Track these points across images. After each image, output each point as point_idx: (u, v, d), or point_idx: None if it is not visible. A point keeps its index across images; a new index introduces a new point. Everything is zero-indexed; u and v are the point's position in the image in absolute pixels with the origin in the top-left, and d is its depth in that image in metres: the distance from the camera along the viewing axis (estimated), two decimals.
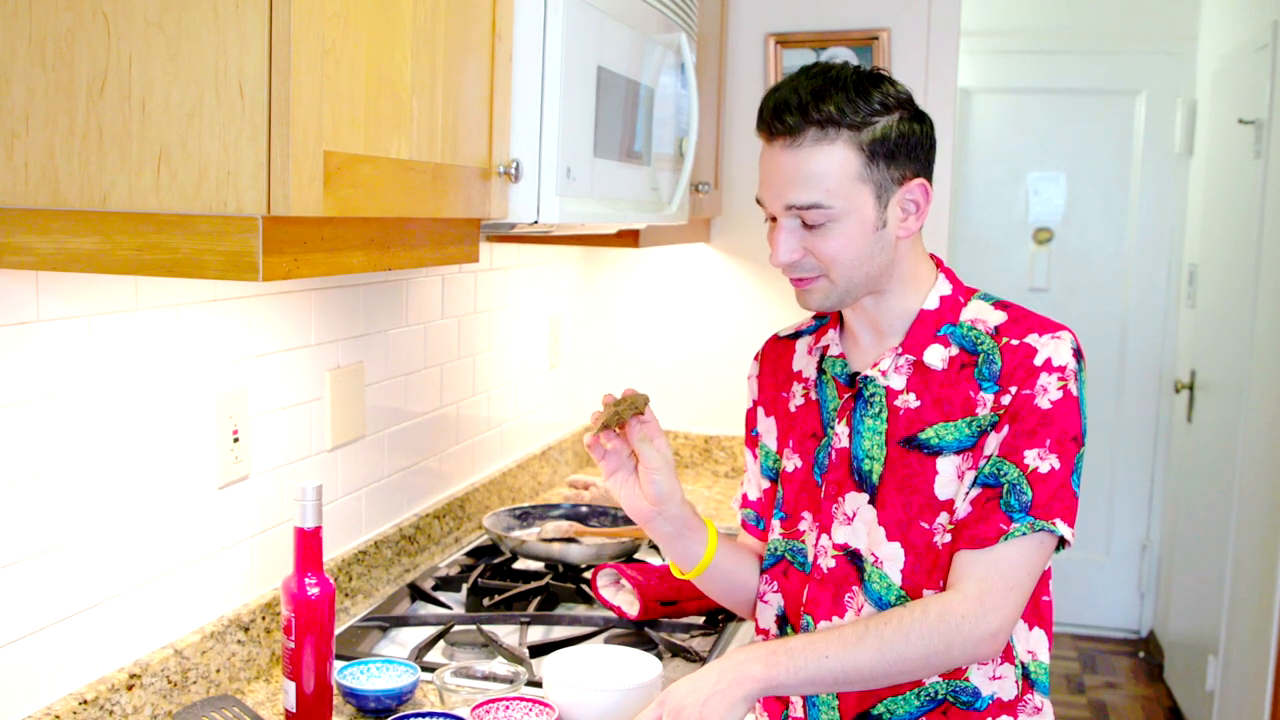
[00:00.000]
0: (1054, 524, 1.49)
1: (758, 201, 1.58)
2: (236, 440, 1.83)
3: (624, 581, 2.13)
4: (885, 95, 1.51)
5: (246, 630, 1.85)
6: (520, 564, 2.45)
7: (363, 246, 1.42)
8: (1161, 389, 5.32)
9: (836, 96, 1.49)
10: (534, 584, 2.29)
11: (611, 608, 2.13)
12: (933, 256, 1.65)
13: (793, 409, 1.72)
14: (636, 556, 2.45)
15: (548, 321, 3.19)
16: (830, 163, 1.49)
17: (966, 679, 1.57)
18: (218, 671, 1.78)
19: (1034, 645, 1.60)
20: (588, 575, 2.29)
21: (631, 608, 2.10)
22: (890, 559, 1.57)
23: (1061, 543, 1.52)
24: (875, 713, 1.59)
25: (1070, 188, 5.39)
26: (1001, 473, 1.50)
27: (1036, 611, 1.60)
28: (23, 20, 1.24)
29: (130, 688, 1.59)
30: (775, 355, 1.78)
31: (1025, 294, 5.38)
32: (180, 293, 1.68)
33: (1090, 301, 5.38)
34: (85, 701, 1.51)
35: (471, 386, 2.73)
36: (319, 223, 1.31)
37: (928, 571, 1.56)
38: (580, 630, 2.10)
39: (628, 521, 2.59)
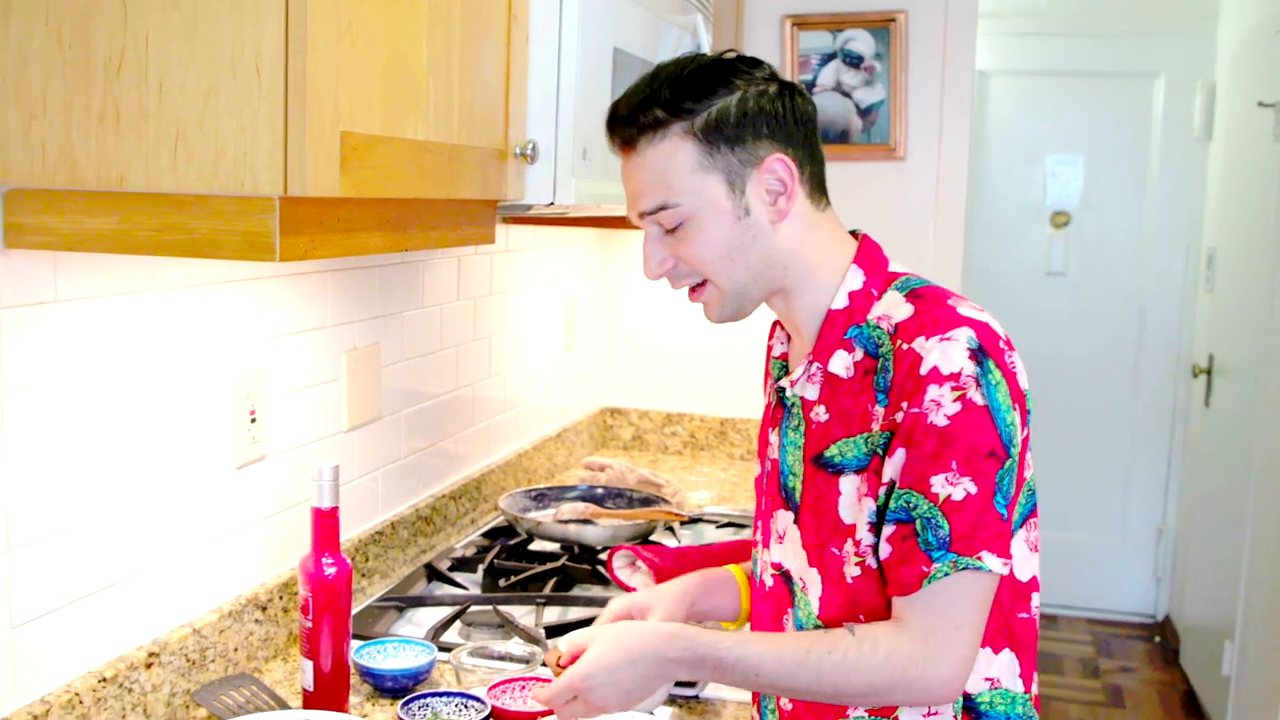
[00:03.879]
0: (979, 559, 1.30)
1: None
2: (254, 421, 1.83)
3: (640, 563, 2.14)
4: (725, 76, 1.39)
5: (264, 610, 1.86)
6: (536, 545, 2.46)
7: (379, 227, 1.42)
8: (1179, 373, 5.30)
9: (663, 92, 1.38)
10: (550, 565, 2.29)
11: (627, 589, 2.13)
12: (863, 239, 1.49)
13: (765, 406, 1.63)
14: (652, 538, 2.45)
15: (563, 303, 3.19)
16: (664, 159, 1.39)
17: (895, 718, 1.42)
18: (235, 650, 1.79)
19: (997, 671, 1.41)
20: (603, 557, 2.29)
21: (648, 588, 2.10)
22: (811, 585, 1.45)
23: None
24: None
25: (1088, 171, 5.37)
26: (911, 505, 1.32)
27: (1007, 631, 1.42)
28: (40, 1, 1.24)
29: (149, 666, 1.60)
30: (770, 341, 1.68)
31: (1042, 277, 5.37)
32: (197, 273, 1.69)
33: (1108, 285, 5.36)
34: (104, 679, 1.52)
35: (487, 368, 2.73)
36: (335, 203, 1.31)
37: (841, 605, 1.42)
38: (596, 611, 2.10)
39: (644, 503, 2.60)
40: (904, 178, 3.28)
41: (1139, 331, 5.36)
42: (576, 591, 2.26)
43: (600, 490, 2.67)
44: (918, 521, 1.32)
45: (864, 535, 1.38)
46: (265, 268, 1.84)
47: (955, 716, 1.41)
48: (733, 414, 3.46)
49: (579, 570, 2.30)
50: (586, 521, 2.44)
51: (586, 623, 2.03)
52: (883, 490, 1.36)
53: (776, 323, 1.65)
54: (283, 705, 1.67)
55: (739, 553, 2.15)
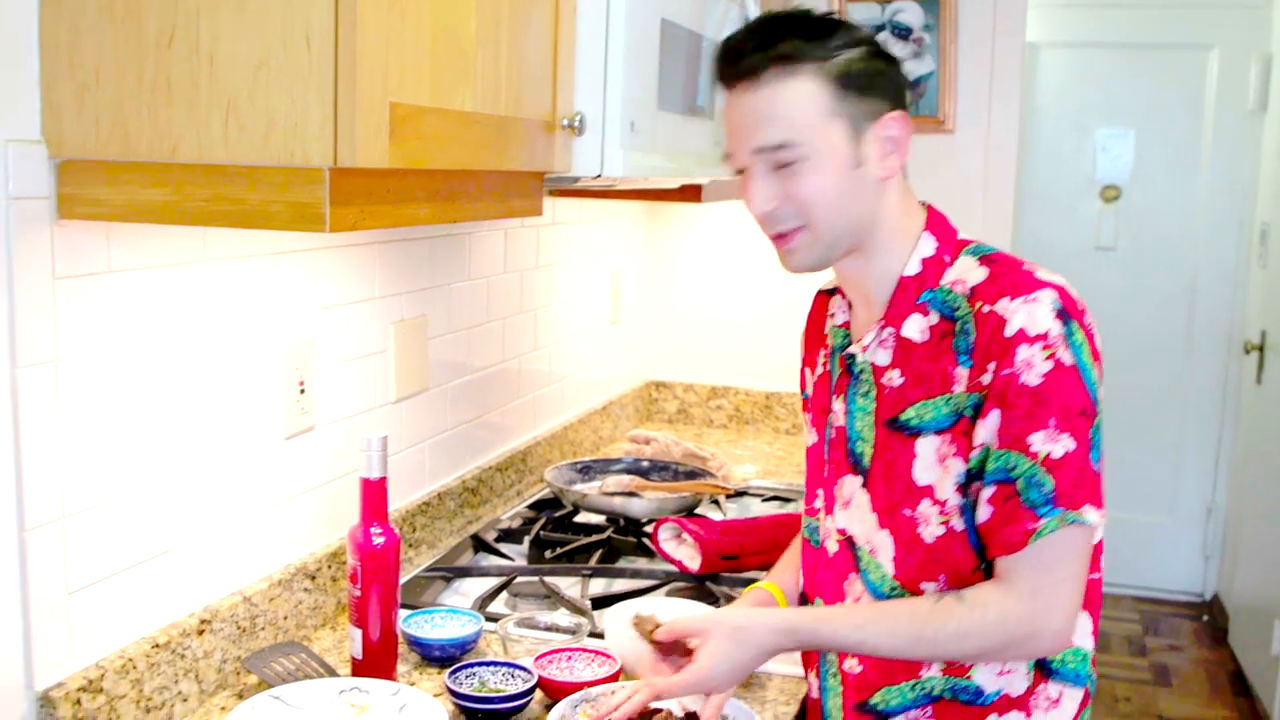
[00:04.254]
0: (1082, 513, 1.36)
1: (726, 157, 1.48)
2: (303, 391, 1.85)
3: (685, 535, 2.14)
4: (848, 31, 1.43)
5: (313, 578, 1.87)
6: (582, 517, 2.46)
7: (427, 199, 1.42)
8: (1230, 350, 5.24)
9: (795, 32, 1.40)
10: (595, 537, 2.30)
11: (673, 561, 2.14)
12: (930, 209, 1.53)
13: (816, 377, 1.66)
14: (698, 511, 2.46)
15: (609, 276, 3.19)
16: (796, 97, 1.39)
17: (969, 677, 1.47)
18: (285, 618, 1.81)
19: (1073, 629, 1.45)
20: (649, 529, 2.30)
21: (693, 561, 2.11)
22: (882, 548, 1.49)
23: None
24: (872, 702, 1.53)
25: (1139, 145, 5.30)
26: (1011, 466, 1.36)
27: (1084, 591, 1.46)
28: None
29: (201, 633, 1.62)
30: (817, 312, 1.72)
31: (1091, 252, 5.32)
32: (247, 245, 1.70)
33: (1158, 261, 5.30)
34: (157, 645, 1.55)
35: (533, 341, 2.74)
36: (384, 174, 1.31)
37: (920, 564, 1.46)
38: (641, 583, 2.12)
39: (689, 476, 2.60)
40: (952, 151, 3.26)
41: (1190, 307, 5.30)
42: (622, 563, 2.27)
43: (645, 463, 2.67)
44: (1020, 480, 1.36)
45: (950, 496, 1.42)
46: (314, 239, 1.85)
47: (1028, 673, 1.47)
48: (778, 388, 3.45)
49: (624, 542, 2.31)
50: (632, 494, 2.44)
51: (632, 594, 2.03)
52: (976, 453, 1.38)
53: (821, 295, 1.70)
54: (332, 673, 1.69)
55: (784, 527, 2.15)
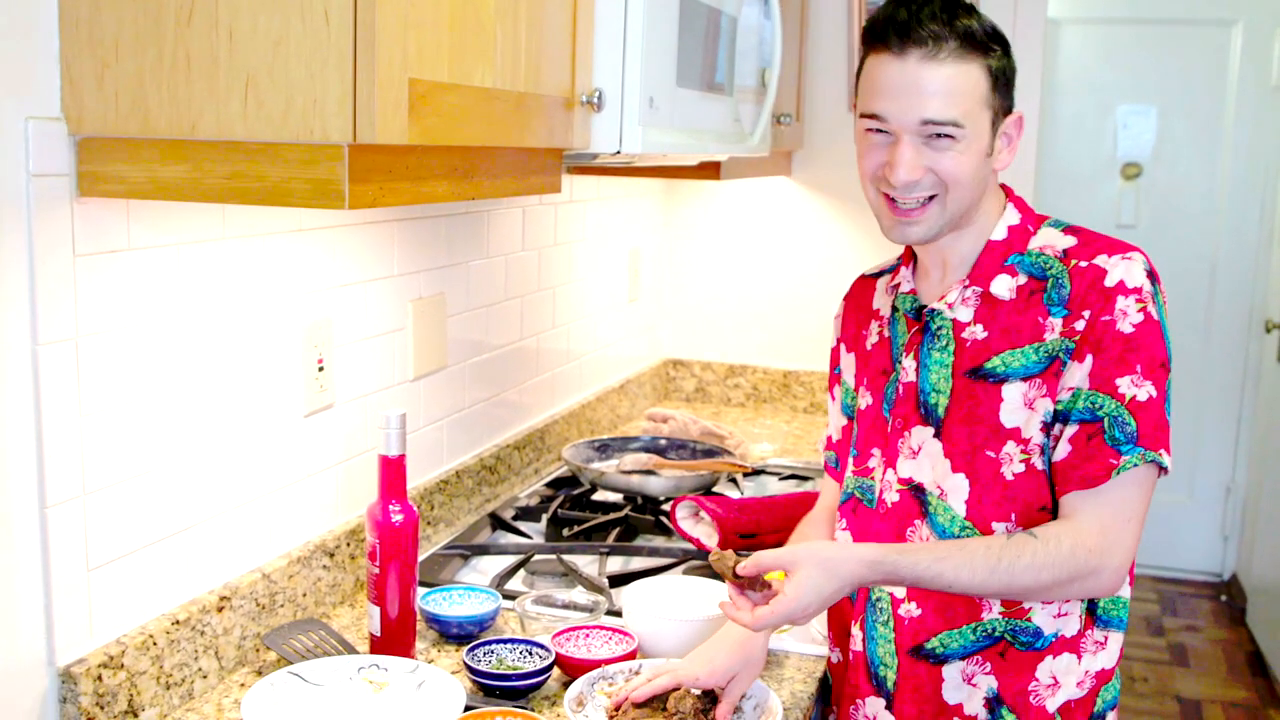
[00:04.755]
0: (1160, 454, 1.46)
1: (868, 115, 1.52)
2: (321, 369, 1.85)
3: (703, 514, 2.14)
4: (994, 25, 1.52)
5: (332, 556, 1.88)
6: (599, 495, 2.47)
7: (446, 175, 1.42)
8: (1251, 329, 5.21)
9: (974, 16, 1.49)
10: (613, 515, 2.30)
11: (690, 539, 2.14)
12: (1004, 187, 1.64)
13: (869, 347, 1.72)
14: (715, 489, 2.45)
15: (627, 254, 3.18)
16: (970, 80, 1.48)
17: (1029, 619, 1.56)
18: (304, 595, 1.81)
19: None
20: (666, 507, 2.30)
21: (710, 539, 2.11)
22: (955, 490, 1.56)
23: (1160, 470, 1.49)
24: (929, 647, 1.60)
25: (1161, 122, 5.26)
26: (1098, 406, 1.47)
27: None
28: None
29: (220, 610, 1.63)
30: (859, 293, 1.79)
31: (1112, 230, 5.19)
32: (266, 222, 1.70)
33: (1179, 239, 5.27)
34: (178, 622, 1.55)
35: (551, 319, 2.74)
36: (404, 151, 1.31)
37: (995, 503, 1.54)
38: (659, 561, 2.12)
39: (707, 455, 2.60)
40: None
41: (1210, 286, 5.27)
42: (639, 541, 2.27)
43: (663, 441, 2.67)
44: (1105, 420, 1.46)
45: (1034, 434, 1.52)
46: (333, 217, 1.85)
47: (1081, 617, 1.57)
48: (796, 366, 3.44)
49: (642, 520, 2.31)
50: (649, 472, 2.44)
51: (650, 573, 2.03)
52: (1066, 396, 1.49)
53: (864, 279, 1.79)
54: (350, 650, 1.70)
55: (801, 505, 2.14)
